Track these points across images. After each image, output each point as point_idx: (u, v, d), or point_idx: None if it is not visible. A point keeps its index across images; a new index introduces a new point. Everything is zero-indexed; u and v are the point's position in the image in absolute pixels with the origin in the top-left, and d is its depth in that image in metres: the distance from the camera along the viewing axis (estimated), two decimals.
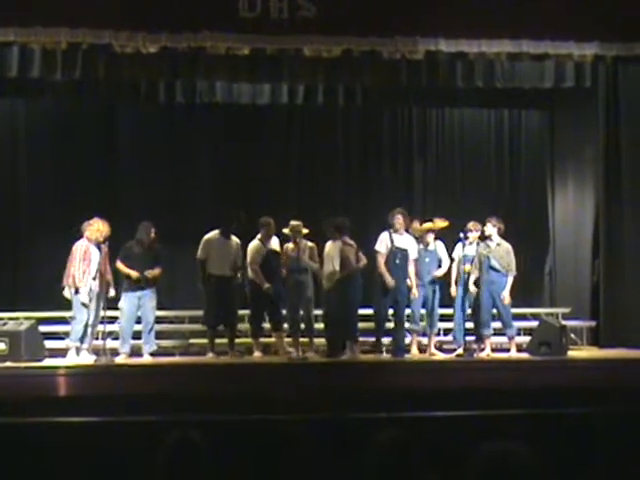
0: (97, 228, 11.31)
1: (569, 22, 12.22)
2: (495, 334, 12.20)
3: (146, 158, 14.28)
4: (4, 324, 11.50)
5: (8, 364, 10.74)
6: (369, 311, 11.89)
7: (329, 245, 11.70)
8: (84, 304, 11.21)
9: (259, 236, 11.96)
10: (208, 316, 11.79)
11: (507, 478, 2.83)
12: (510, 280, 11.92)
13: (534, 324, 12.48)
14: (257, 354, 11.86)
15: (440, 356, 11.99)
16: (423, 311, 12.02)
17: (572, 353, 11.98)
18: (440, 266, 12.04)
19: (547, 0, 12.18)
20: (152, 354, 11.63)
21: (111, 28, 11.63)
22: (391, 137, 14.96)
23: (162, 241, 12.53)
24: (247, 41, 11.92)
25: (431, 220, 12.13)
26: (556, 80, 12.81)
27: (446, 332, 12.67)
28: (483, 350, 11.91)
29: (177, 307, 13.10)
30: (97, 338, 11.53)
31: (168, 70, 12.39)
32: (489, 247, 11.92)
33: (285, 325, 12.04)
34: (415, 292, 11.78)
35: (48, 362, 11.07)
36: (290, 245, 11.74)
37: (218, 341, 11.88)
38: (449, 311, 12.17)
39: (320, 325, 11.94)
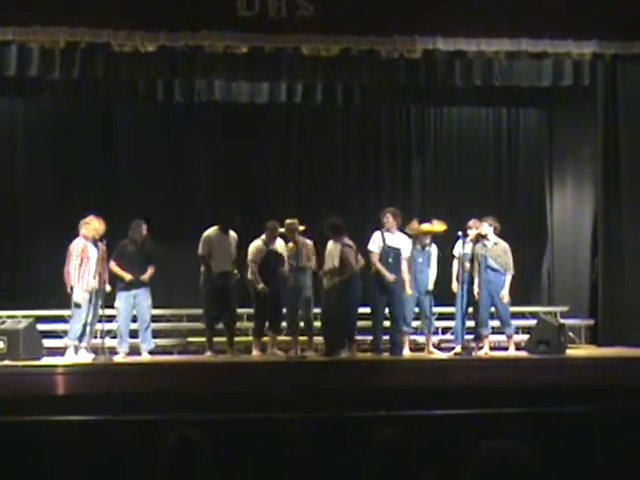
0: (94, 226, 11.29)
1: (568, 21, 12.22)
2: (493, 332, 12.22)
3: (144, 157, 14.27)
4: (2, 322, 11.50)
5: (6, 362, 10.73)
6: (367, 310, 11.89)
7: (330, 245, 11.69)
8: (77, 304, 11.19)
9: (263, 237, 11.96)
10: (207, 315, 11.79)
11: (506, 476, 2.83)
12: (508, 279, 11.93)
13: (532, 322, 12.48)
14: (256, 353, 11.86)
15: (438, 354, 12.00)
16: (417, 310, 12.02)
17: (570, 352, 11.98)
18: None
19: None
20: (151, 352, 11.63)
21: (109, 27, 11.63)
22: (389, 136, 14.97)
23: (160, 240, 12.54)
24: (245, 40, 11.92)
25: (429, 221, 12.12)
26: (555, 79, 12.81)
27: (444, 330, 12.68)
28: (481, 349, 11.92)
29: (175, 305, 13.09)
30: (96, 336, 11.53)
31: (166, 69, 12.38)
32: (486, 246, 11.92)
33: (284, 324, 12.06)
34: (409, 290, 11.77)
35: (46, 361, 11.06)
36: (290, 244, 11.74)
37: (216, 340, 11.88)
38: (449, 309, 12.17)
39: (318, 324, 11.94)
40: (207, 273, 11.74)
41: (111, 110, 14.32)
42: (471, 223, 11.93)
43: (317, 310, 11.95)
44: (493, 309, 12.04)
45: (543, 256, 14.66)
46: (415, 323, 12.11)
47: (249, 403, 6.78)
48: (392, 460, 3.44)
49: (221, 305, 11.67)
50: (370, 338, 11.92)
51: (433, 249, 12.09)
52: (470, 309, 11.93)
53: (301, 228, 11.77)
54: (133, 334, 11.69)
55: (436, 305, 12.28)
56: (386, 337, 11.85)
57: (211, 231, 11.86)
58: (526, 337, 12.31)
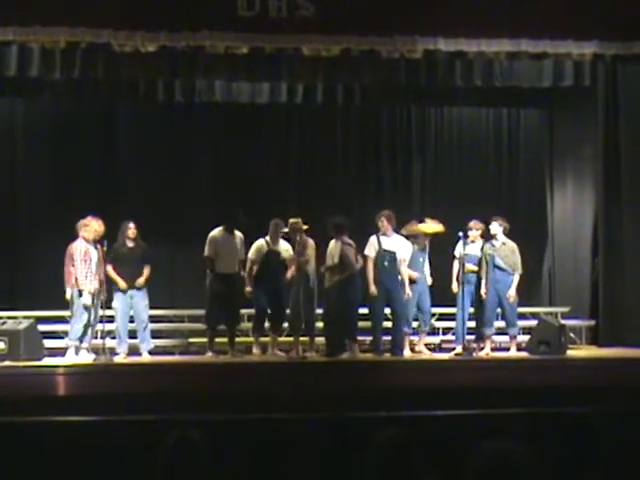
0: (94, 228, 11.29)
1: (568, 21, 12.22)
2: (497, 333, 12.22)
3: (145, 157, 14.29)
4: (3, 323, 11.50)
5: (7, 363, 10.74)
6: (367, 310, 11.89)
7: (332, 243, 11.69)
8: (86, 306, 11.20)
9: (267, 237, 11.96)
10: (209, 316, 11.77)
11: (506, 477, 2.83)
12: (516, 279, 11.94)
13: (533, 323, 12.48)
14: (256, 352, 11.87)
15: (426, 354, 12.01)
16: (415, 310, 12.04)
17: (571, 352, 11.98)
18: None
19: None
20: (151, 352, 11.63)
21: (110, 27, 11.63)
22: (390, 136, 14.97)
23: (161, 240, 12.56)
24: (246, 40, 11.92)
25: (423, 221, 12.13)
26: (555, 79, 12.81)
27: (445, 331, 12.67)
28: (482, 349, 11.92)
29: (176, 306, 13.09)
30: (96, 337, 11.53)
31: (167, 69, 12.38)
32: (494, 246, 11.94)
33: (285, 324, 12.06)
34: (409, 292, 11.77)
35: (47, 361, 11.07)
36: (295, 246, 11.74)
37: (217, 340, 11.87)
38: (451, 310, 12.17)
39: (320, 324, 11.94)
40: (214, 273, 11.71)
41: (112, 110, 14.33)
42: (472, 224, 11.95)
43: (319, 311, 11.94)
44: (499, 310, 12.05)
45: (544, 256, 14.66)
46: (415, 323, 12.11)
47: (249, 403, 6.78)
48: (392, 460, 3.44)
49: (225, 306, 11.65)
50: (370, 338, 11.92)
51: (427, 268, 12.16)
52: (471, 309, 11.94)
53: (305, 227, 11.77)
54: (133, 334, 11.70)
55: (436, 305, 12.29)
56: (387, 337, 11.87)
57: (216, 232, 11.82)
58: (527, 338, 12.30)
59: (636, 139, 12.97)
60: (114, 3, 11.61)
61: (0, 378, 10.05)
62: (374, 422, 5.44)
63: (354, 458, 3.77)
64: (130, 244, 11.65)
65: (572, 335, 12.79)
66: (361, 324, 11.95)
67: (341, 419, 5.77)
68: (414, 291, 11.87)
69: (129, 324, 11.66)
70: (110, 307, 11.45)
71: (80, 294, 11.20)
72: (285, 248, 11.97)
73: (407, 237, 11.95)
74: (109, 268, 11.42)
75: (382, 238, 11.74)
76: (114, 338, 11.63)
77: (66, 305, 11.41)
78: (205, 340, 12.12)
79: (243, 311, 12.25)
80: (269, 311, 12.00)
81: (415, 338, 12.26)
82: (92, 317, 11.27)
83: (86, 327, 11.22)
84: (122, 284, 11.45)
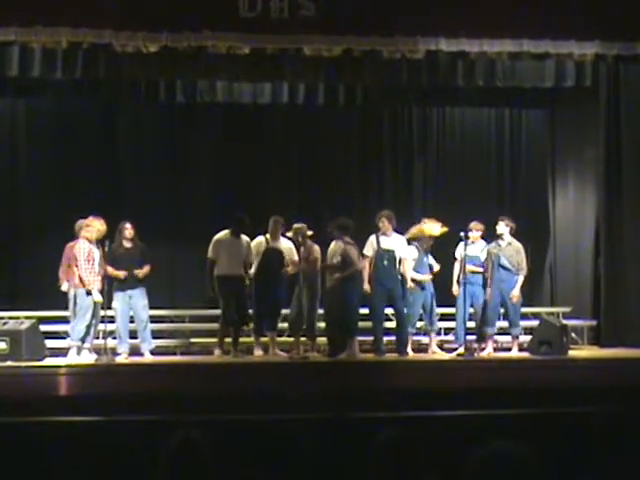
0: (96, 228, 11.30)
1: (570, 21, 12.23)
2: (498, 333, 12.23)
3: (146, 157, 14.29)
4: (5, 323, 11.50)
5: (9, 363, 10.74)
6: (367, 310, 11.90)
7: (333, 244, 11.70)
8: (98, 303, 11.20)
9: (267, 235, 11.96)
10: (225, 315, 11.71)
11: (508, 477, 2.82)
12: (521, 279, 11.95)
13: (535, 323, 12.47)
14: (258, 353, 11.87)
15: (440, 355, 12.00)
16: (420, 310, 12.04)
17: (573, 352, 11.97)
18: (431, 269, 12.08)
19: None
20: (152, 353, 11.63)
21: (111, 28, 11.64)
22: (391, 136, 14.95)
23: (162, 240, 12.56)
24: (247, 40, 11.93)
25: (421, 222, 12.13)
26: (557, 79, 12.82)
27: (447, 331, 12.67)
28: (484, 349, 11.93)
29: (177, 306, 13.10)
30: (98, 337, 11.54)
31: (168, 69, 12.39)
32: (500, 246, 11.95)
33: (285, 324, 12.06)
34: (426, 278, 11.83)
35: (49, 361, 11.07)
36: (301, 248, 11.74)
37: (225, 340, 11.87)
38: (451, 310, 12.17)
39: (322, 325, 11.95)
40: (219, 277, 11.68)
41: (113, 111, 14.31)
42: (472, 225, 11.94)
43: (320, 311, 11.94)
44: (502, 310, 12.06)
45: (545, 257, 14.65)
46: (419, 323, 12.11)
47: (251, 404, 6.79)
48: (394, 460, 3.44)
49: (233, 308, 11.63)
50: (371, 339, 11.92)
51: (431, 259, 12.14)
52: (471, 309, 11.94)
53: (309, 233, 11.76)
54: (134, 335, 11.70)
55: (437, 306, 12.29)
56: (391, 337, 11.89)
57: (222, 235, 11.81)
58: (529, 338, 12.30)
59: (638, 139, 12.97)
60: (116, 3, 11.62)
61: (2, 378, 10.06)
62: (375, 422, 5.44)
63: (355, 458, 3.77)
64: (127, 244, 11.64)
65: (574, 335, 12.78)
66: (362, 324, 11.96)
67: (342, 419, 5.77)
68: (420, 292, 11.87)
69: (130, 324, 11.66)
70: (110, 307, 11.45)
71: (88, 293, 11.20)
72: (287, 247, 11.97)
73: (412, 240, 11.95)
74: (108, 268, 11.42)
75: (381, 238, 11.76)
76: (115, 338, 11.64)
77: (67, 305, 11.41)
78: (206, 340, 12.14)
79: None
80: (267, 309, 12.00)
81: (424, 338, 12.23)
82: (94, 317, 11.28)
83: (88, 327, 11.23)
84: (121, 274, 11.41)
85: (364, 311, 11.88)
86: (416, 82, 12.97)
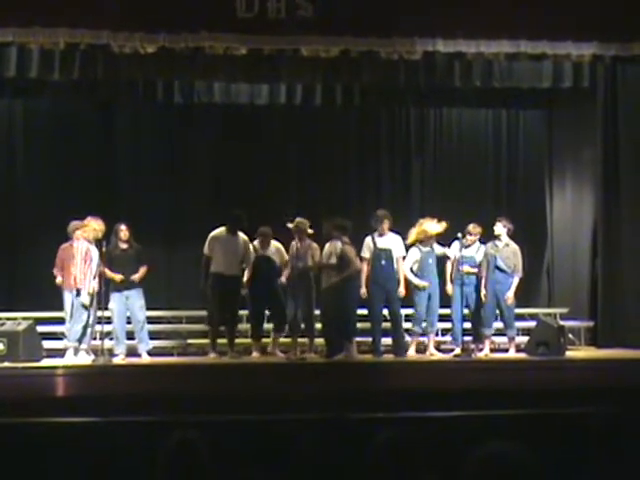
0: (93, 227, 11.29)
1: (567, 22, 12.23)
2: (495, 334, 12.23)
3: (144, 158, 14.29)
4: (2, 324, 11.50)
5: (6, 364, 10.73)
6: (366, 311, 11.90)
7: (329, 244, 11.70)
8: (85, 305, 11.21)
9: (256, 242, 11.95)
10: (212, 315, 11.76)
11: (505, 478, 2.83)
12: (516, 281, 11.94)
13: (532, 324, 12.47)
14: (255, 354, 11.86)
15: (438, 356, 12.00)
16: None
17: (570, 353, 11.97)
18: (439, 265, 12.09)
19: (545, 0, 12.19)
20: (150, 353, 11.63)
21: (109, 28, 11.64)
22: (389, 137, 14.95)
23: (159, 241, 12.55)
24: (245, 41, 11.92)
25: (419, 222, 12.11)
26: (554, 80, 12.82)
27: (444, 332, 12.67)
28: (481, 350, 11.93)
29: (175, 307, 13.09)
30: (95, 338, 11.53)
31: (166, 70, 12.39)
32: (497, 247, 11.95)
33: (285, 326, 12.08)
34: (421, 285, 11.80)
35: (46, 362, 11.06)
36: (293, 244, 11.73)
37: (217, 341, 11.86)
38: (446, 311, 12.17)
39: (319, 325, 11.94)
40: (213, 275, 11.68)
41: (111, 111, 14.31)
42: (470, 227, 11.94)
43: (317, 312, 11.94)
44: (497, 311, 12.06)
45: (543, 258, 14.65)
46: (423, 324, 12.10)
47: (249, 405, 6.79)
48: (392, 461, 3.44)
49: (225, 307, 11.65)
50: (369, 340, 11.92)
51: (436, 246, 12.09)
52: (466, 310, 11.94)
53: (310, 231, 11.74)
54: (131, 336, 11.70)
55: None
56: (386, 339, 11.89)
57: (218, 232, 11.79)
58: (526, 339, 12.30)
59: (635, 140, 12.97)
60: (113, 4, 11.61)
61: None
62: (373, 423, 5.44)
63: (353, 459, 3.77)
64: (123, 246, 11.63)
65: (571, 336, 12.78)
66: (360, 325, 11.96)
67: (340, 420, 5.77)
68: (424, 293, 11.88)
69: (127, 325, 11.65)
70: (107, 308, 11.44)
71: (78, 293, 11.21)
72: (277, 247, 11.97)
73: (414, 242, 11.95)
74: (105, 269, 11.42)
75: (377, 238, 11.77)
76: (112, 339, 11.64)
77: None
78: (203, 341, 12.13)
79: (242, 312, 12.25)
80: (268, 312, 12.01)
81: (423, 339, 12.24)
82: (91, 317, 11.28)
83: (85, 328, 11.23)
84: (117, 277, 11.42)
85: (362, 312, 11.88)
86: (413, 83, 12.97)
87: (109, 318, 11.53)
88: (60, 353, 11.39)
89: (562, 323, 12.38)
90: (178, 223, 13.94)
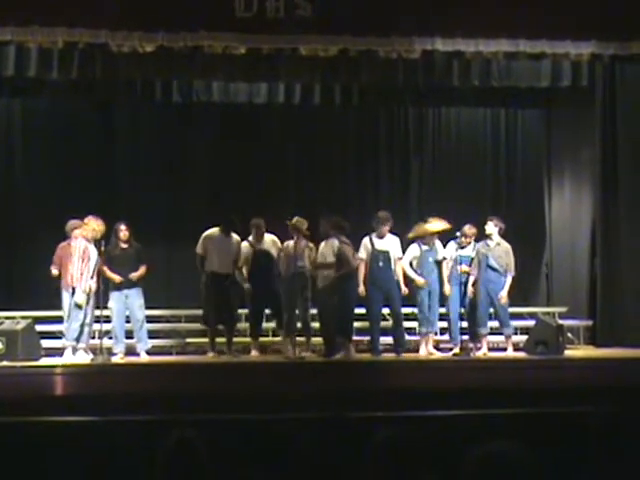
0: (93, 227, 11.30)
1: (566, 21, 12.23)
2: (492, 333, 12.23)
3: (142, 157, 14.30)
4: (1, 323, 11.51)
5: (5, 363, 10.74)
6: (364, 310, 11.90)
7: (325, 243, 11.71)
8: (78, 305, 11.21)
9: (250, 237, 11.97)
10: (207, 315, 11.78)
11: (504, 477, 2.83)
12: (509, 280, 11.93)
13: (531, 323, 12.48)
14: (254, 353, 11.87)
15: (437, 355, 12.01)
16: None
17: (569, 352, 11.98)
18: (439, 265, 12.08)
19: None
20: (148, 353, 11.63)
21: (108, 27, 11.64)
22: (388, 136, 14.95)
23: (158, 240, 12.55)
24: (244, 40, 11.93)
25: (425, 221, 12.11)
26: (553, 79, 12.82)
27: (442, 331, 12.67)
28: (480, 349, 11.94)
29: (174, 306, 13.09)
30: (94, 337, 11.53)
31: (165, 69, 12.39)
32: (488, 246, 11.94)
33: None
34: (420, 283, 11.79)
35: (45, 361, 11.08)
36: (290, 243, 11.74)
37: (216, 340, 11.87)
38: (443, 310, 12.17)
39: (316, 324, 11.95)
40: (207, 274, 11.72)
41: (109, 110, 14.31)
42: (466, 228, 11.93)
43: (313, 311, 11.95)
44: (492, 310, 12.06)
45: (541, 257, 14.66)
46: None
47: (247, 404, 6.78)
48: (391, 460, 3.44)
49: (221, 306, 11.66)
50: (368, 339, 11.92)
51: (444, 250, 12.08)
52: (462, 309, 11.94)
53: (307, 232, 11.73)
54: (131, 335, 11.70)
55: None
56: (384, 338, 11.90)
57: (211, 231, 11.85)
58: (524, 338, 12.30)
59: (634, 139, 12.97)
60: (112, 3, 11.61)
61: None
62: (372, 422, 5.44)
63: (352, 458, 3.77)
64: (123, 245, 11.64)
65: (570, 335, 12.80)
66: (359, 324, 11.96)
67: (339, 419, 5.77)
68: (425, 292, 11.87)
69: (126, 324, 11.66)
70: (106, 307, 11.45)
71: (73, 292, 11.21)
72: (272, 240, 11.98)
73: (412, 240, 11.95)
74: (104, 269, 11.43)
75: (375, 239, 11.78)
76: (111, 338, 11.64)
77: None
78: (202, 340, 12.14)
79: (241, 311, 12.26)
80: (268, 311, 12.02)
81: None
82: (88, 316, 11.28)
83: (82, 327, 11.23)
84: (117, 278, 11.43)
85: (360, 311, 11.88)
86: (412, 82, 12.97)
87: (108, 317, 11.53)
88: (59, 352, 11.40)
89: (561, 322, 12.38)
90: (177, 222, 13.93)
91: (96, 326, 11.38)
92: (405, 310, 12.09)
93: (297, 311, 11.71)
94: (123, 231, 11.60)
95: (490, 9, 12.03)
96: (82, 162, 13.96)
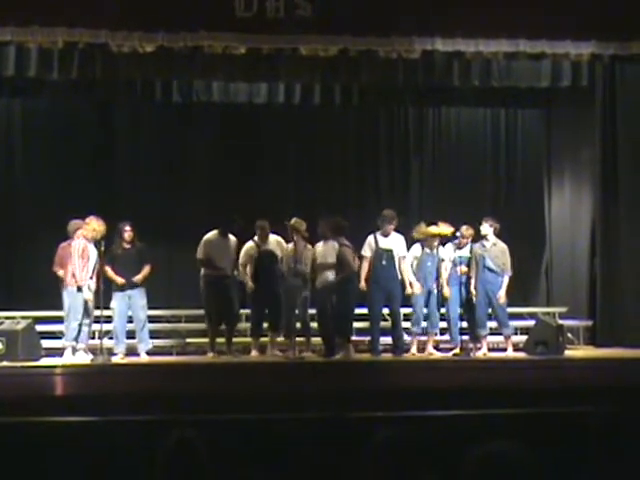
0: (93, 227, 11.29)
1: (566, 21, 12.23)
2: (492, 333, 12.23)
3: (143, 157, 14.30)
4: (1, 323, 11.51)
5: (5, 363, 10.74)
6: (365, 310, 11.90)
7: (321, 245, 11.70)
8: (87, 300, 11.20)
9: (255, 238, 11.99)
10: (209, 315, 11.78)
11: (504, 477, 2.83)
12: (506, 280, 11.92)
13: (531, 323, 12.48)
14: (254, 353, 11.87)
15: (437, 355, 12.01)
16: (425, 310, 12.03)
17: (569, 352, 11.98)
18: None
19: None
20: (149, 353, 11.63)
21: (108, 27, 11.64)
22: (388, 136, 14.96)
23: (158, 240, 12.54)
24: (244, 40, 11.93)
25: (435, 223, 12.09)
26: (553, 79, 12.82)
27: (442, 332, 12.67)
28: (480, 349, 11.94)
29: (174, 306, 13.09)
30: (94, 337, 11.53)
31: (165, 69, 12.39)
32: (485, 247, 11.94)
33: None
34: (416, 290, 11.79)
35: (45, 361, 11.07)
36: (290, 246, 11.74)
37: (217, 340, 11.87)
38: (442, 310, 12.17)
39: (315, 325, 11.95)
40: (207, 276, 11.74)
41: (109, 110, 14.31)
42: (464, 229, 11.92)
43: (312, 311, 11.95)
44: (490, 310, 12.05)
45: (541, 257, 14.66)
46: (423, 324, 12.09)
47: (247, 404, 6.78)
48: (391, 460, 3.44)
49: (222, 307, 11.67)
50: (368, 339, 11.92)
51: (442, 252, 12.07)
52: (460, 310, 11.94)
53: (305, 234, 11.73)
54: (131, 335, 11.70)
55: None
56: (384, 338, 11.89)
57: (210, 235, 11.87)
58: (524, 338, 12.30)
59: (634, 139, 12.97)
60: (112, 3, 11.61)
61: None
62: (372, 422, 5.44)
63: (352, 458, 3.77)
64: (126, 246, 11.64)
65: (570, 335, 12.80)
66: (359, 324, 11.96)
67: (338, 419, 5.77)
68: (423, 292, 11.88)
69: (127, 325, 11.66)
70: (108, 307, 11.45)
71: (79, 289, 11.20)
72: (276, 240, 11.99)
73: (417, 240, 11.95)
74: (107, 269, 11.43)
75: (379, 237, 11.77)
76: (112, 338, 11.65)
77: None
78: (202, 340, 12.14)
79: (241, 311, 12.26)
80: (266, 311, 12.02)
81: (423, 339, 12.23)
82: (85, 316, 11.27)
83: (80, 326, 11.22)
84: (120, 280, 11.44)
85: (361, 311, 11.87)
86: (412, 82, 12.97)
87: (109, 317, 11.53)
88: (59, 352, 11.39)
89: (561, 322, 12.38)
90: (177, 222, 13.92)
91: (96, 326, 11.38)
92: (405, 310, 12.08)
93: (297, 311, 11.71)
94: (128, 232, 11.60)
95: (490, 9, 12.04)
96: (82, 162, 13.97)
